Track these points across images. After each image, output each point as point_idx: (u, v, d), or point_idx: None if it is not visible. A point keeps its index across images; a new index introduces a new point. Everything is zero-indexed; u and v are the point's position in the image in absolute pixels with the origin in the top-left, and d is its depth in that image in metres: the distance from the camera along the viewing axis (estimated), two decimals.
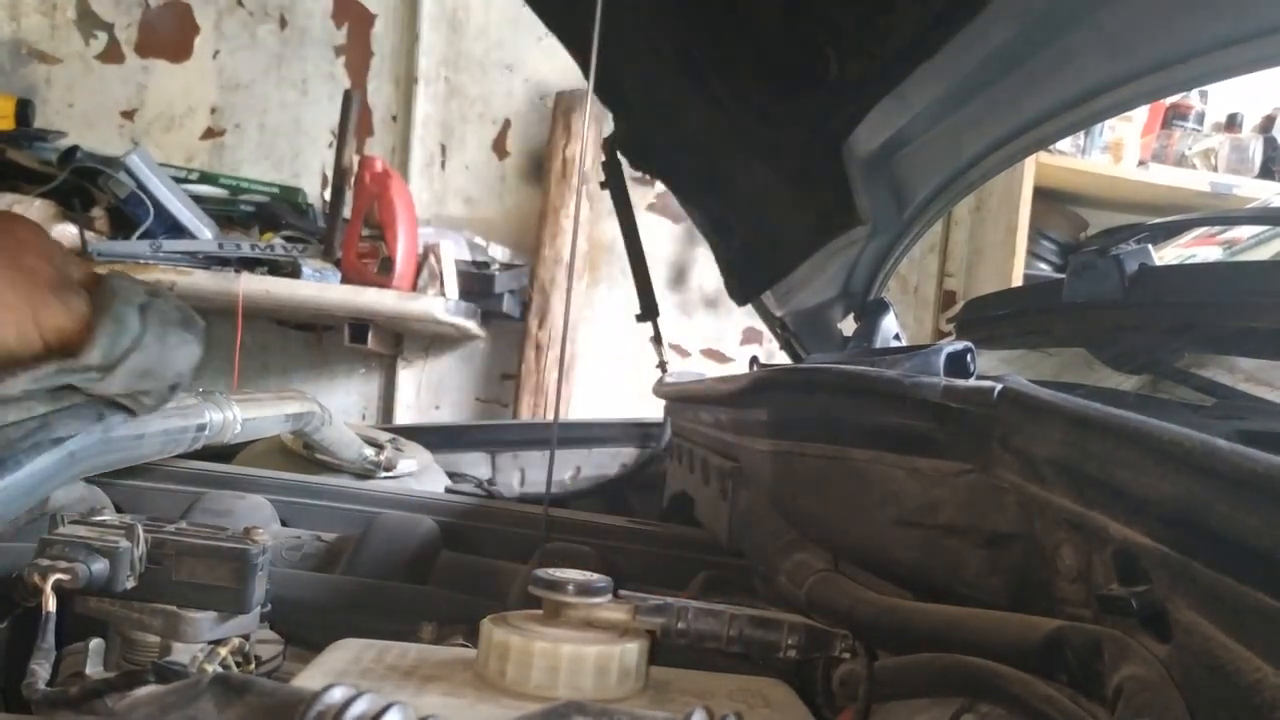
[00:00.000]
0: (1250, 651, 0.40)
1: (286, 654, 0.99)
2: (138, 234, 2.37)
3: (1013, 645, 0.55)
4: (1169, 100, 3.03)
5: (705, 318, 3.17)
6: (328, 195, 2.75)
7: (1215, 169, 3.04)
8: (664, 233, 3.08)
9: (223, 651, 0.83)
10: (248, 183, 2.78)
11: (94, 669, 0.76)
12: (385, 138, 3.05)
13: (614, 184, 1.71)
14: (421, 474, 1.70)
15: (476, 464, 1.95)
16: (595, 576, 0.68)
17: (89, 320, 0.89)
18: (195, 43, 2.98)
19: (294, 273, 2.42)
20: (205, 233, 2.48)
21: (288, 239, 2.57)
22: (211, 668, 0.81)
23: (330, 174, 2.74)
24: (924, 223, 1.48)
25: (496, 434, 2.04)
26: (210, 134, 3.00)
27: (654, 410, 1.97)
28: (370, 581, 1.13)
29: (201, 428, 1.14)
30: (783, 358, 1.95)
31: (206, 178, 2.74)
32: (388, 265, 2.50)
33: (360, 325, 2.66)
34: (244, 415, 1.22)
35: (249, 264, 2.42)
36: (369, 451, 1.59)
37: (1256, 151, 3.06)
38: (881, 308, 1.60)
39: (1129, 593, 0.47)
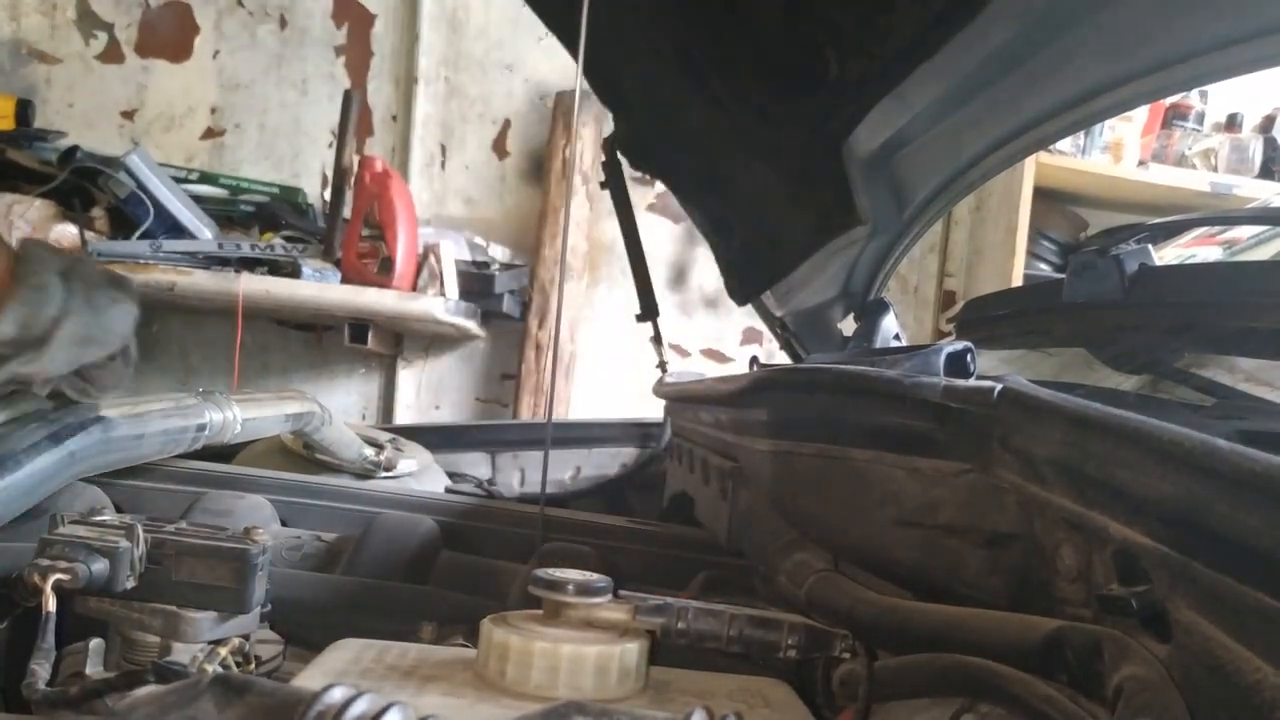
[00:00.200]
0: (1250, 651, 0.40)
1: (286, 654, 0.99)
2: (138, 234, 2.37)
3: (1013, 645, 0.55)
4: (1169, 100, 3.03)
5: (705, 318, 3.17)
6: (328, 195, 2.75)
7: (1215, 169, 3.03)
8: (664, 233, 3.08)
9: (223, 651, 0.83)
10: (248, 183, 2.77)
11: (94, 669, 0.76)
12: (385, 138, 3.05)
13: (614, 184, 1.71)
14: (421, 474, 1.70)
15: (476, 464, 1.95)
16: (595, 576, 0.68)
17: (5, 292, 0.86)
18: (195, 43, 2.98)
19: (294, 273, 2.42)
20: (205, 233, 2.48)
21: (288, 239, 2.57)
22: (211, 668, 0.81)
23: (330, 174, 2.74)
24: (924, 223, 1.48)
25: (496, 434, 2.04)
26: (210, 134, 3.00)
27: (654, 410, 1.97)
28: (370, 581, 1.13)
29: (201, 428, 1.15)
30: (783, 358, 1.95)
31: (206, 178, 2.74)
32: (388, 265, 2.50)
33: (360, 325, 2.66)
34: (244, 415, 1.22)
35: (249, 264, 2.42)
36: (369, 451, 1.59)
37: (1256, 151, 3.06)
38: (881, 308, 1.60)
39: (1129, 593, 0.47)
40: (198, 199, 2.58)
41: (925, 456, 0.72)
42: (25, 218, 2.36)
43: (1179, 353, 1.28)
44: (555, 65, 3.00)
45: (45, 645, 0.69)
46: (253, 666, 0.88)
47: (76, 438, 0.91)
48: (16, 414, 0.84)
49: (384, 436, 1.71)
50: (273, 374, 3.02)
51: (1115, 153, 2.93)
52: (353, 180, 2.56)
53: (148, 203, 2.39)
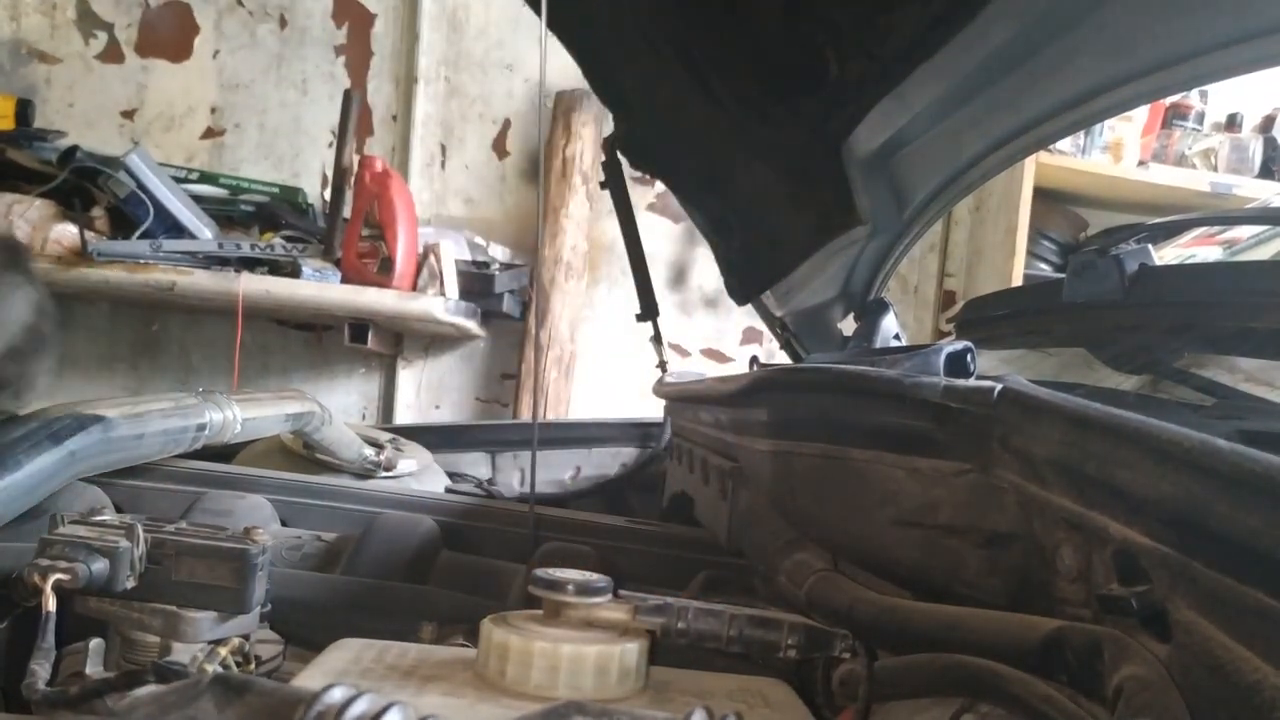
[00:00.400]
0: (1250, 651, 0.40)
1: (286, 654, 0.99)
2: (138, 234, 2.37)
3: (1013, 645, 0.55)
4: (1169, 100, 3.03)
5: (705, 318, 3.17)
6: (328, 195, 2.75)
7: (1215, 169, 3.03)
8: (664, 233, 3.08)
9: (223, 651, 0.83)
10: (248, 182, 2.77)
11: (94, 669, 0.76)
12: (385, 138, 3.05)
13: (614, 184, 1.71)
14: (421, 474, 1.70)
15: (476, 464, 1.95)
16: (595, 576, 0.68)
17: None
18: (195, 42, 2.98)
19: (294, 273, 2.42)
20: (205, 233, 2.48)
21: (288, 239, 2.57)
22: (211, 668, 0.81)
23: (330, 174, 2.74)
24: (924, 223, 1.48)
25: (496, 434, 2.04)
26: (210, 134, 3.00)
27: (654, 410, 1.97)
28: (370, 581, 1.13)
29: (201, 428, 1.15)
30: (783, 358, 1.95)
31: (206, 178, 2.74)
32: (388, 265, 2.50)
33: (360, 325, 2.66)
34: (244, 415, 1.22)
35: (249, 264, 2.42)
36: (369, 451, 1.59)
37: (1256, 151, 3.06)
38: (881, 308, 1.60)
39: (1129, 593, 0.47)
40: (198, 199, 2.58)
41: (925, 456, 0.72)
42: (25, 218, 2.36)
43: (1179, 353, 1.28)
44: (555, 65, 2.98)
45: (45, 645, 0.69)
46: (253, 666, 0.88)
47: (76, 438, 0.91)
48: None
49: (384, 436, 1.72)
50: (273, 374, 3.02)
51: (1115, 153, 2.93)
52: (353, 180, 2.56)
53: (148, 202, 2.39)
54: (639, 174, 1.87)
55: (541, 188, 2.91)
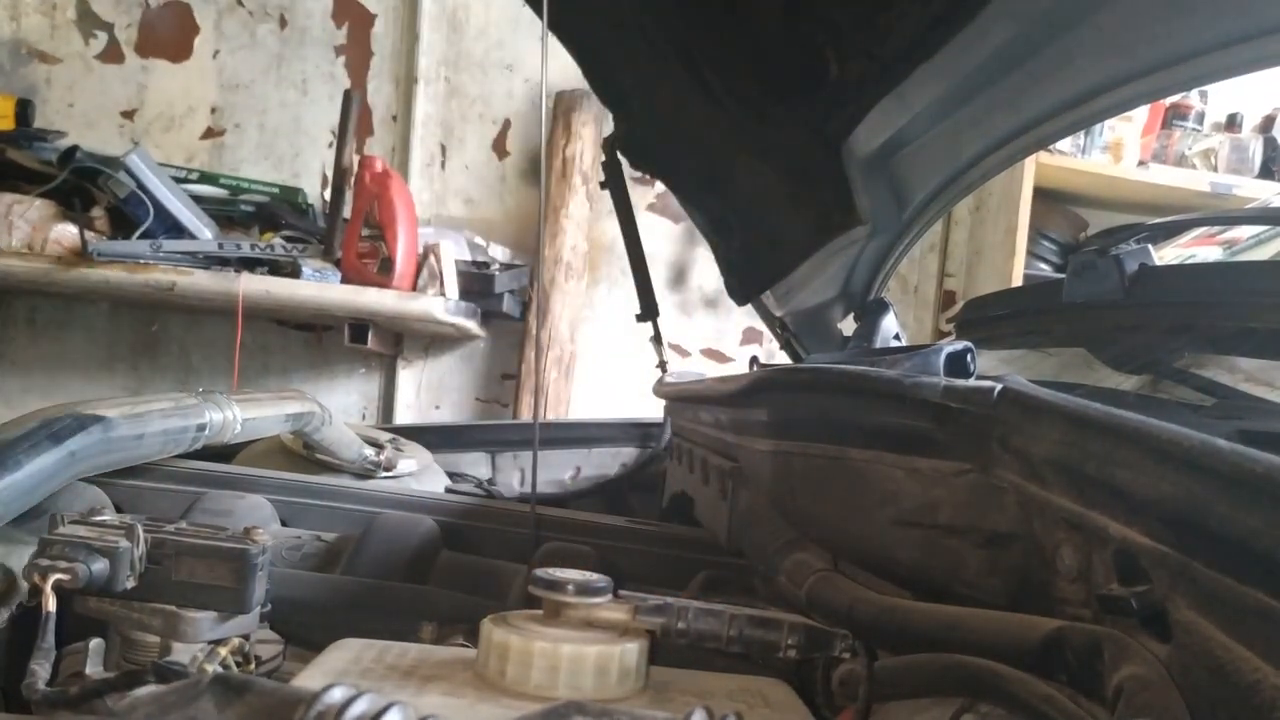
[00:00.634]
0: (1250, 651, 0.40)
1: (286, 654, 0.99)
2: (138, 234, 2.37)
3: (1012, 645, 0.55)
4: (1169, 100, 3.03)
5: (705, 318, 3.17)
6: (328, 195, 2.75)
7: (1215, 169, 3.03)
8: (664, 233, 3.08)
9: (223, 651, 0.83)
10: (248, 183, 2.78)
11: (94, 669, 0.76)
12: (385, 138, 3.05)
13: (614, 184, 1.71)
14: (421, 474, 1.70)
15: (476, 464, 1.95)
16: (595, 576, 0.68)
17: None
18: (195, 43, 2.98)
19: (294, 273, 2.42)
20: (205, 233, 2.48)
21: (288, 239, 2.57)
22: (211, 668, 0.81)
23: (330, 174, 2.74)
24: (924, 223, 1.48)
25: (496, 434, 2.04)
26: (210, 134, 3.00)
27: (654, 410, 1.97)
28: (370, 581, 1.13)
29: (201, 428, 1.14)
30: (783, 358, 1.95)
31: (206, 178, 2.74)
32: (388, 265, 2.50)
33: (360, 325, 2.66)
34: (244, 415, 1.22)
35: (249, 264, 2.42)
36: (369, 451, 1.59)
37: (1256, 151, 3.06)
38: (881, 308, 1.60)
39: (1129, 593, 0.47)
40: (198, 199, 2.58)
41: (925, 456, 0.72)
42: (25, 218, 2.36)
43: (1179, 353, 1.28)
44: (555, 65, 2.99)
45: (45, 645, 0.69)
46: (253, 666, 0.88)
47: (76, 438, 0.91)
48: None
49: (384, 436, 1.71)
50: (273, 374, 3.02)
51: (1115, 153, 2.93)
52: (353, 180, 2.56)
53: (148, 203, 2.39)
54: (639, 174, 1.86)
55: (544, 188, 2.91)
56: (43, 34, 2.93)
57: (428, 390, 3.08)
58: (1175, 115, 3.08)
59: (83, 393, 2.79)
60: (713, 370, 2.96)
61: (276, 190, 2.76)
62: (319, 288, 2.42)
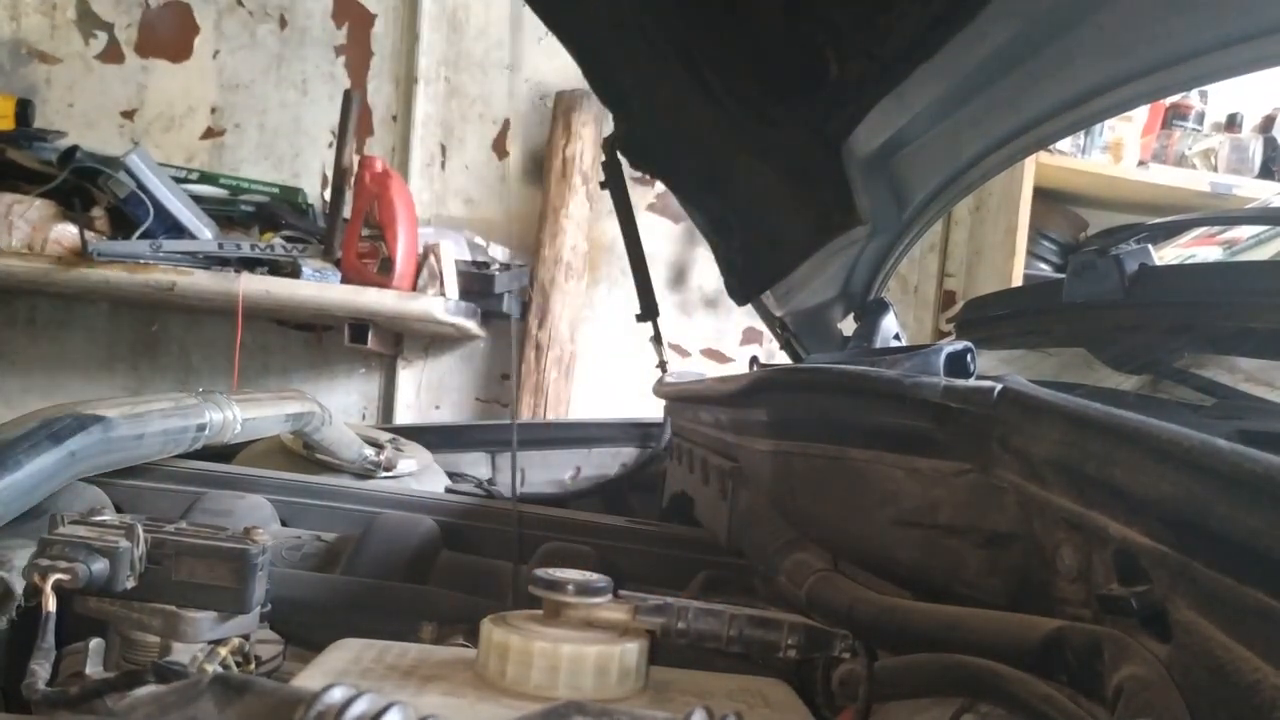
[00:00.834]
0: (1250, 651, 0.40)
1: (286, 654, 0.99)
2: (138, 234, 2.37)
3: (1012, 645, 0.55)
4: (1169, 100, 3.03)
5: (705, 318, 3.17)
6: (328, 195, 2.75)
7: (1215, 169, 3.03)
8: (664, 233, 3.08)
9: (223, 651, 0.83)
10: (248, 183, 2.77)
11: (94, 669, 0.76)
12: (385, 138, 3.05)
13: (614, 184, 1.71)
14: (421, 474, 1.70)
15: (476, 464, 1.95)
16: (595, 576, 0.68)
17: None
18: (195, 43, 2.98)
19: (294, 273, 2.42)
20: (205, 233, 2.48)
21: (288, 239, 2.57)
22: (211, 668, 0.81)
23: (330, 174, 2.74)
24: (924, 223, 1.48)
25: (496, 434, 2.04)
26: (210, 134, 3.00)
27: (654, 410, 1.97)
28: (370, 581, 1.13)
29: (201, 428, 1.14)
30: (783, 358, 1.95)
31: (206, 178, 2.74)
32: (388, 265, 2.50)
33: (360, 325, 2.66)
34: (244, 415, 1.22)
35: (249, 264, 2.42)
36: (369, 451, 1.59)
37: (1256, 151, 3.06)
38: (881, 308, 1.60)
39: (1129, 593, 0.47)
40: (198, 199, 2.58)
41: (925, 456, 0.72)
42: (25, 218, 2.36)
43: (1179, 353, 1.28)
44: (555, 65, 3.00)
45: (45, 645, 0.69)
46: (253, 666, 0.88)
47: (76, 438, 0.91)
48: None
49: (384, 436, 1.72)
50: (273, 374, 3.02)
51: (1115, 153, 2.93)
52: (353, 180, 2.56)
53: (148, 203, 2.39)
54: (639, 174, 1.86)
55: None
56: (43, 34, 2.93)
57: (428, 390, 3.08)
58: (1175, 115, 3.08)
59: (83, 393, 2.79)
60: (713, 370, 2.96)
61: (276, 190, 2.76)
62: (319, 288, 2.42)
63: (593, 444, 2.02)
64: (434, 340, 3.04)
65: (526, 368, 2.84)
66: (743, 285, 1.60)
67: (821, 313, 1.68)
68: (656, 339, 1.88)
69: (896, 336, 1.59)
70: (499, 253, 2.94)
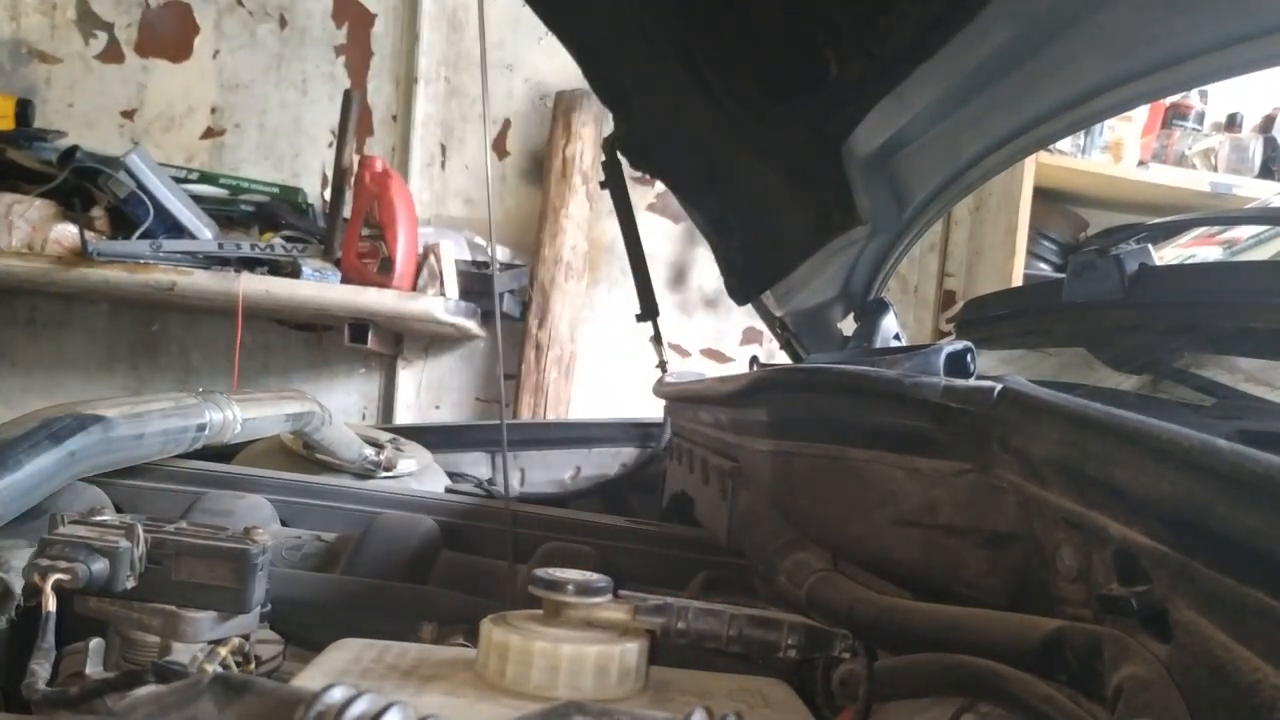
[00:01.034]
0: (1250, 651, 0.40)
1: (286, 654, 0.99)
2: (138, 234, 2.37)
3: (1012, 645, 0.55)
4: (1169, 100, 3.03)
5: (705, 318, 3.17)
6: (328, 195, 2.75)
7: (1215, 169, 3.03)
8: (664, 233, 3.08)
9: (223, 651, 0.83)
10: (248, 183, 2.77)
11: (94, 669, 0.76)
12: (385, 138, 3.05)
13: (614, 184, 1.71)
14: (421, 474, 1.70)
15: (476, 464, 1.95)
16: (595, 576, 0.68)
17: None
18: (195, 42, 2.98)
19: (294, 273, 2.42)
20: (205, 233, 2.48)
21: (288, 239, 2.57)
22: (211, 668, 0.81)
23: (330, 174, 2.74)
24: (924, 223, 1.48)
25: (496, 434, 2.04)
26: (210, 134, 3.00)
27: (654, 410, 1.97)
28: (370, 581, 1.13)
29: (201, 428, 1.14)
30: (783, 358, 1.95)
31: (206, 178, 2.74)
32: (388, 265, 2.50)
33: (360, 325, 2.66)
34: (244, 415, 1.22)
35: (249, 264, 2.42)
36: (369, 451, 1.59)
37: (1256, 151, 3.06)
38: (881, 308, 1.60)
39: (1129, 593, 0.47)
40: (198, 199, 2.58)
41: (925, 456, 0.72)
42: (25, 218, 2.36)
43: (1179, 353, 1.28)
44: (555, 65, 3.00)
45: (45, 645, 0.69)
46: (253, 666, 0.88)
47: (76, 438, 0.91)
48: None
49: (384, 436, 1.72)
50: (273, 374, 3.02)
51: (1115, 153, 2.92)
52: (353, 180, 2.56)
53: (148, 202, 2.39)
54: (639, 174, 1.86)
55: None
56: (43, 34, 2.93)
57: (428, 390, 3.08)
58: (1175, 115, 3.08)
59: (83, 393, 2.79)
60: (713, 370, 2.96)
61: (276, 190, 2.76)
62: (319, 288, 2.42)
63: (593, 444, 2.02)
64: (434, 340, 3.04)
65: (526, 368, 2.84)
66: (743, 285, 1.60)
67: (821, 313, 1.68)
68: (656, 339, 1.88)
69: (896, 336, 1.59)
70: (499, 253, 2.94)
